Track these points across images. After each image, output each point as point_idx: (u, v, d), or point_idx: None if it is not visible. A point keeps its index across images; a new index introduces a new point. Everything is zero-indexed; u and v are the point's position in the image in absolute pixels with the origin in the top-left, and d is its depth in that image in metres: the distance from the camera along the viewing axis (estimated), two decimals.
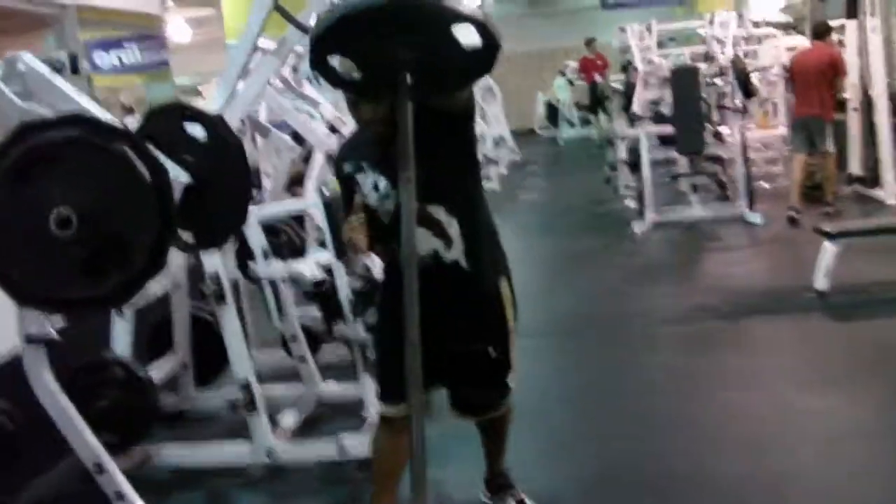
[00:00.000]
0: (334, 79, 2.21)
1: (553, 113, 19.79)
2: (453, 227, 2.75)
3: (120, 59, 12.86)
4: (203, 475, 3.96)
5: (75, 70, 2.68)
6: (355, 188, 2.79)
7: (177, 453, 4.00)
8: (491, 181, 12.70)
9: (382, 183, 2.72)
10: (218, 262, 3.92)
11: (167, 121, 2.50)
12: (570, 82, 19.05)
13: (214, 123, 2.44)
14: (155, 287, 4.32)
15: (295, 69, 5.97)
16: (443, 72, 2.18)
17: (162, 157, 2.48)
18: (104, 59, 13.02)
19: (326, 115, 6.07)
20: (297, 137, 5.09)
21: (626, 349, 5.43)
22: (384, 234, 2.79)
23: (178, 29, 15.75)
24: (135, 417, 3.88)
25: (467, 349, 2.89)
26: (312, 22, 4.37)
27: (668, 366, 5.04)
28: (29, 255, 1.85)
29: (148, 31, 8.10)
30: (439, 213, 2.73)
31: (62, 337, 4.03)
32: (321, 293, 4.26)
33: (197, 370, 4.65)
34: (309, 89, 6.15)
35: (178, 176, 2.44)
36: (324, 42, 2.04)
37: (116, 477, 2.98)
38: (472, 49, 2.06)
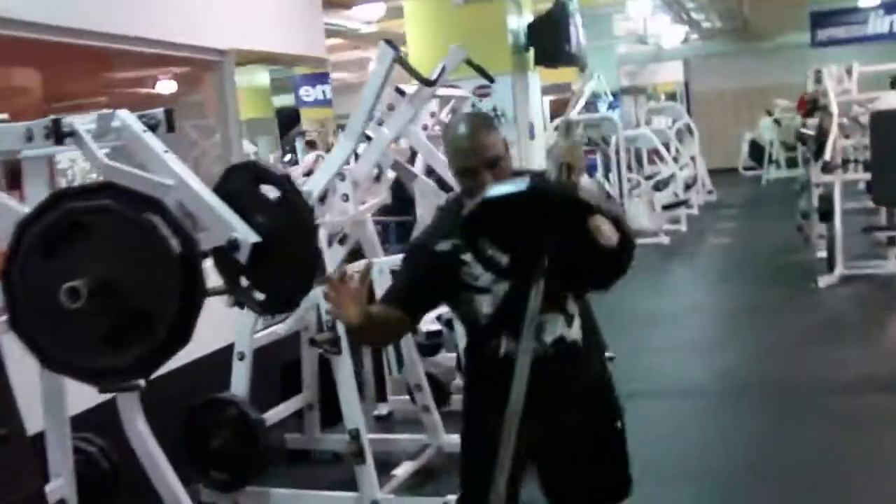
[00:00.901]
0: (482, 258, 2.30)
1: (758, 152, 18.94)
2: (573, 308, 2.51)
3: (323, 94, 13.47)
4: None
5: (171, 128, 2.73)
6: (455, 268, 2.52)
7: (282, 498, 4.02)
8: (678, 223, 12.28)
9: (504, 260, 2.52)
10: None
11: (242, 179, 2.50)
12: (777, 122, 18.17)
13: (282, 183, 2.42)
14: (281, 328, 4.40)
15: (455, 111, 5.97)
16: (579, 266, 2.23)
17: (232, 218, 2.49)
18: (310, 93, 13.66)
19: None
20: (443, 183, 5.05)
21: (788, 420, 5.02)
22: (480, 328, 2.58)
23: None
24: (246, 458, 3.93)
25: (593, 429, 2.58)
26: (435, 74, 4.36)
27: (830, 444, 4.59)
28: (52, 324, 1.88)
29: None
30: (569, 296, 2.52)
31: (187, 374, 4.20)
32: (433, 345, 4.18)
33: (325, 411, 4.68)
34: None
35: (247, 237, 2.44)
36: (471, 224, 2.21)
37: None
38: (609, 248, 2.11)
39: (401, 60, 3.86)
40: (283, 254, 2.45)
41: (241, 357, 4.06)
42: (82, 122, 2.60)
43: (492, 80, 4.78)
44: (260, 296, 2.58)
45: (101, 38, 4.50)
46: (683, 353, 6.67)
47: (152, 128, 2.73)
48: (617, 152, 11.12)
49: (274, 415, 4.37)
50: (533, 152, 10.22)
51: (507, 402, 2.48)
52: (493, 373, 2.53)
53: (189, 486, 4.10)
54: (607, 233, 2.09)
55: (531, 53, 9.90)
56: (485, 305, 2.50)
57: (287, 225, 2.43)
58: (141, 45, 4.79)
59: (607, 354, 2.76)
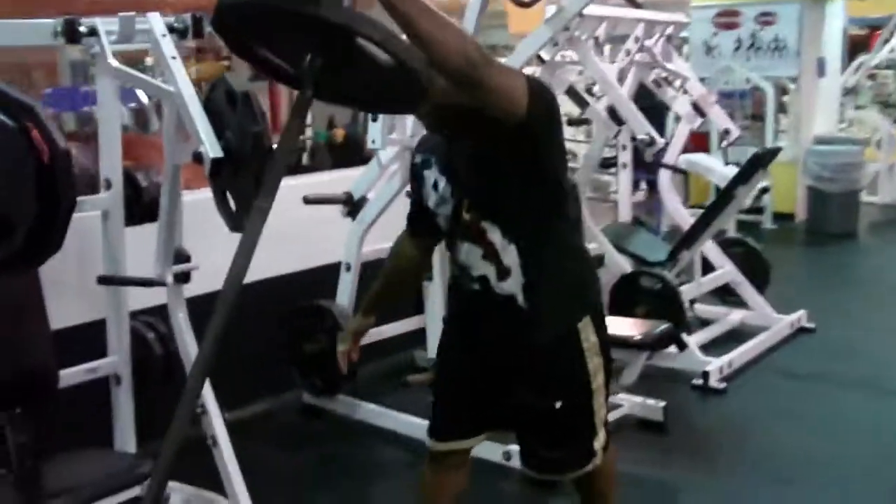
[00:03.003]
0: (258, 63, 1.80)
1: None
2: (510, 255, 2.31)
3: None
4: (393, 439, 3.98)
5: (198, 34, 2.76)
6: (419, 184, 2.49)
7: (368, 413, 4.08)
8: None
9: (442, 184, 2.42)
10: None
11: (218, 93, 2.50)
12: None
13: (241, 100, 2.39)
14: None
15: (669, 38, 5.56)
16: (361, 87, 1.80)
17: (205, 132, 2.51)
18: None
19: (693, 92, 5.59)
20: (614, 113, 4.72)
21: None
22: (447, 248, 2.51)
23: None
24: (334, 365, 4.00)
25: (529, 402, 2.42)
26: None
27: None
28: None
29: None
30: (494, 233, 2.31)
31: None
32: None
33: None
34: (678, 63, 5.70)
35: (208, 151, 2.45)
36: (223, 25, 1.72)
37: (215, 421, 3.13)
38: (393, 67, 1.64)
39: None
40: (244, 172, 2.44)
41: (348, 268, 4.12)
42: (105, 23, 2.71)
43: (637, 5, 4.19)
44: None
45: None
46: None
47: (181, 32, 2.79)
48: None
49: (390, 329, 4.41)
50: (821, 91, 9.25)
51: (460, 334, 2.53)
52: (449, 297, 2.60)
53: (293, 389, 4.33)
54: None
55: None
56: (442, 223, 2.44)
57: (246, 143, 2.41)
58: None
59: None
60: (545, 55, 4.73)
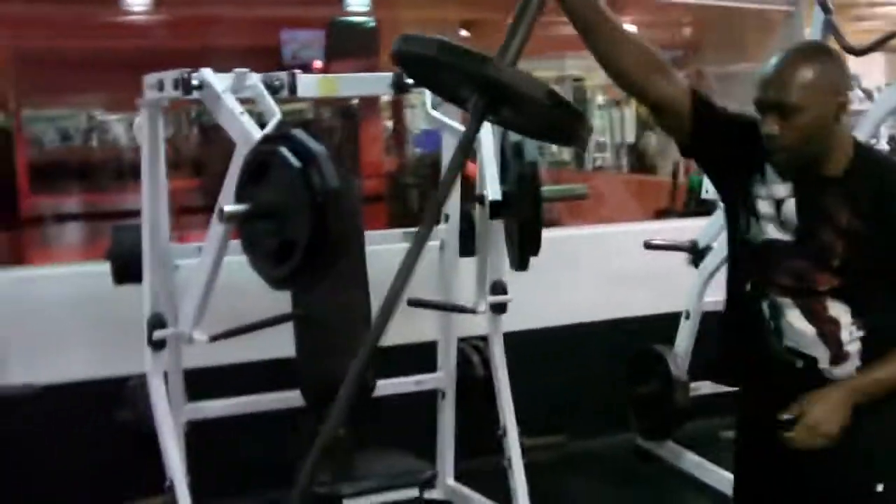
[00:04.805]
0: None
1: None
2: (853, 342, 1.97)
3: None
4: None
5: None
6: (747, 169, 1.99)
7: (688, 463, 4.02)
8: None
9: (788, 205, 1.96)
10: None
11: (507, 142, 2.70)
12: None
13: (513, 146, 2.55)
14: None
15: None
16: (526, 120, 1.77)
17: (489, 176, 2.75)
18: None
19: None
20: None
21: None
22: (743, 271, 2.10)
23: None
24: (663, 411, 4.01)
25: (847, 486, 2.05)
26: None
27: None
28: (250, 236, 2.43)
29: None
30: (842, 314, 1.97)
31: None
32: None
33: None
34: None
35: (487, 195, 2.68)
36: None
37: (513, 444, 3.33)
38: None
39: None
40: (514, 215, 2.63)
41: (688, 316, 4.09)
42: None
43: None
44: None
45: None
46: None
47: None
48: None
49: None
50: None
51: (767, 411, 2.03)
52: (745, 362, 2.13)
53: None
54: None
55: None
56: (768, 229, 1.99)
57: (518, 189, 2.58)
58: None
59: None
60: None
